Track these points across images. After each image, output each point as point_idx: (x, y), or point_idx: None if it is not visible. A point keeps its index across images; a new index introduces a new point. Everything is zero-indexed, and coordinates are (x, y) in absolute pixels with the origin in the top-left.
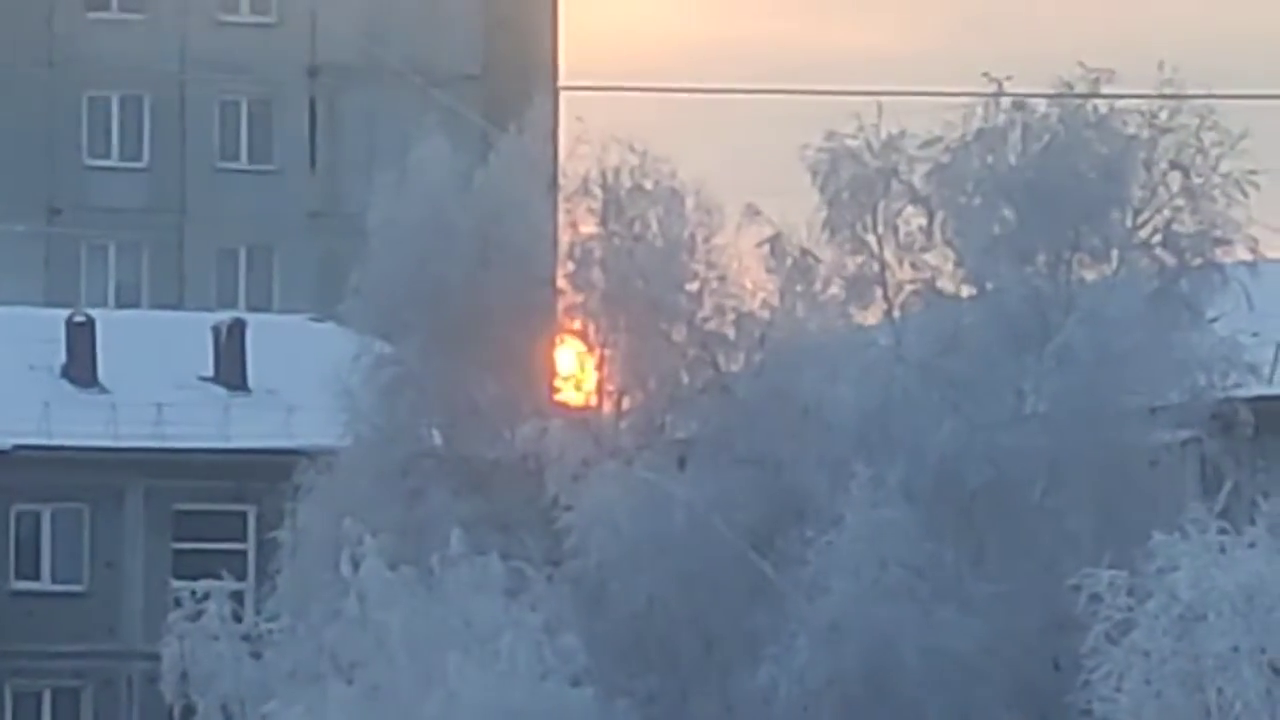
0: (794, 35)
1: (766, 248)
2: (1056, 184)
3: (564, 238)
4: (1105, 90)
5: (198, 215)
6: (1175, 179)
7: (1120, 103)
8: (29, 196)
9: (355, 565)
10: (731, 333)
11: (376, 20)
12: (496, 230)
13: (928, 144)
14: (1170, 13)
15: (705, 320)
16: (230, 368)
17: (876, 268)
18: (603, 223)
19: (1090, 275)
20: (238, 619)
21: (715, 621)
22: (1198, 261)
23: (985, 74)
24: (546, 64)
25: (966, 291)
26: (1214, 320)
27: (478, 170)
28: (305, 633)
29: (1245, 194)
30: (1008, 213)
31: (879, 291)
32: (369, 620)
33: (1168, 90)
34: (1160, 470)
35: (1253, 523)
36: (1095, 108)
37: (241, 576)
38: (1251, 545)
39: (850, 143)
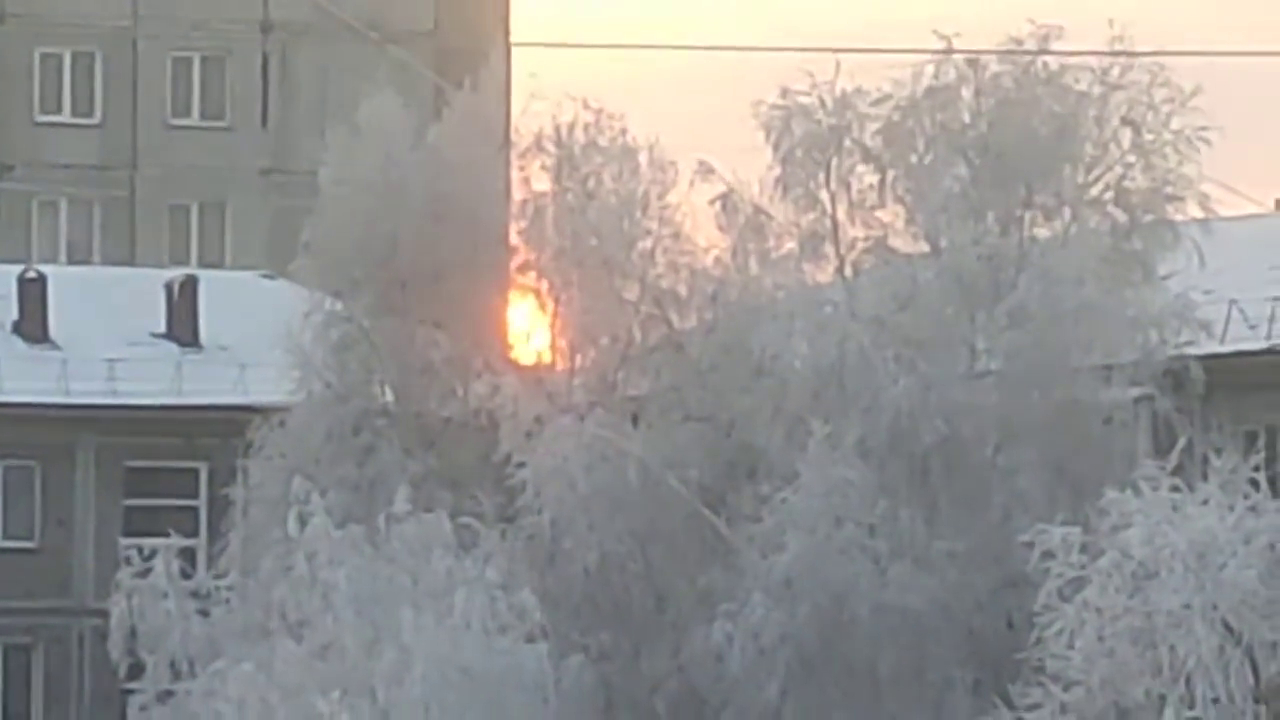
0: None
1: (719, 205)
2: (1008, 141)
3: (517, 194)
4: (1055, 47)
5: (149, 171)
6: (1126, 136)
7: (1071, 60)
8: None
9: (302, 523)
10: (684, 290)
11: None
12: (449, 187)
13: (879, 101)
14: None
15: (658, 277)
16: (182, 324)
17: (829, 225)
18: (556, 180)
19: (1042, 232)
20: (188, 576)
21: (669, 578)
22: (1149, 218)
23: (935, 31)
24: (500, 20)
25: (919, 249)
26: (1166, 278)
27: (430, 127)
28: (255, 590)
29: (1197, 150)
30: (960, 170)
31: (832, 249)
32: (317, 578)
33: (1118, 47)
34: (1113, 428)
35: (1205, 480)
36: (1046, 65)
37: (193, 534)
38: (1204, 502)
39: (803, 100)
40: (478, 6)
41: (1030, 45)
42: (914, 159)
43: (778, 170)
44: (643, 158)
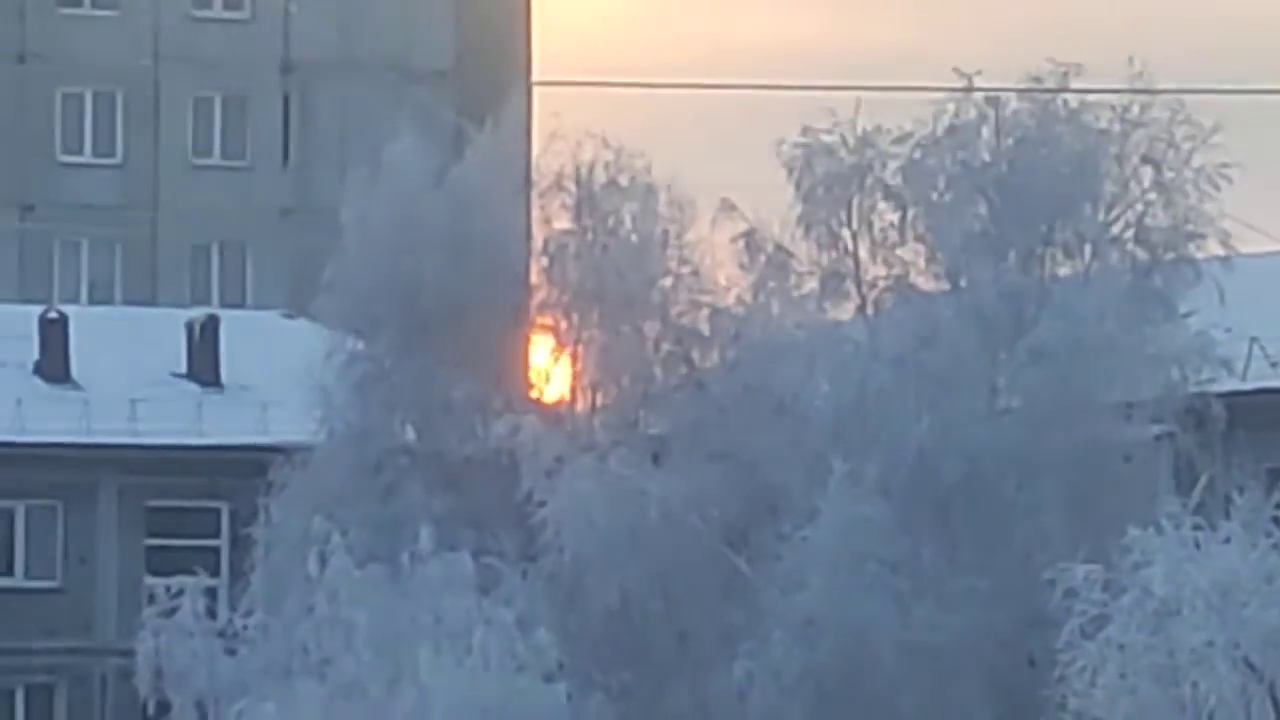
0: (769, 31)
1: (741, 243)
2: (1028, 179)
3: (538, 233)
4: (1075, 85)
5: (171, 211)
6: (1147, 173)
7: (1091, 97)
8: (1, 193)
9: (324, 562)
10: (705, 328)
11: (350, 16)
12: (470, 226)
13: (900, 140)
14: (1140, 6)
15: (679, 315)
16: (203, 364)
17: (850, 263)
18: (576, 218)
19: (1063, 270)
20: (212, 615)
21: (690, 617)
22: (1170, 256)
23: (956, 69)
24: (520, 60)
25: (940, 287)
26: (1187, 315)
27: (451, 167)
28: (279, 629)
29: (1218, 188)
30: (980, 208)
31: (853, 287)
32: (339, 617)
33: (1139, 84)
34: (1134, 465)
35: (1227, 517)
36: (1066, 102)
37: (215, 573)
38: (1226, 540)
39: (825, 138)
40: (499, 46)
41: (1050, 83)
42: (935, 197)
43: (799, 208)
44: (663, 196)
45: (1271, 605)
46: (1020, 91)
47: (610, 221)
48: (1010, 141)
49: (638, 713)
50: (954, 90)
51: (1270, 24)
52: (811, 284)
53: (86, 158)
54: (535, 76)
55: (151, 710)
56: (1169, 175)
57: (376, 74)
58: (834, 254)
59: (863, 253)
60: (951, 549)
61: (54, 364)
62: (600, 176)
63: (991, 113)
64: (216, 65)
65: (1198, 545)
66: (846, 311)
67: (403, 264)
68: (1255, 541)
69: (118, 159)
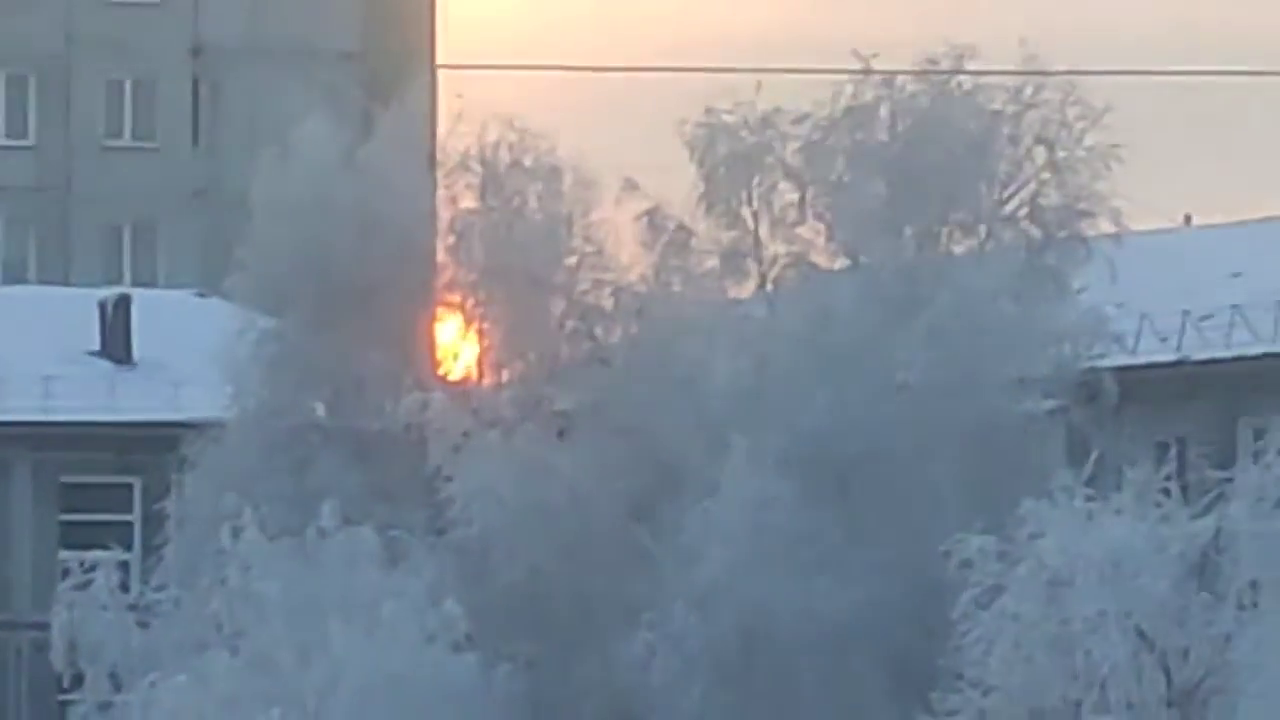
0: (671, 14)
1: (643, 222)
2: (924, 159)
3: (444, 213)
4: (970, 67)
5: (83, 193)
6: (1040, 153)
7: (985, 79)
8: None
9: (235, 537)
10: (609, 305)
11: (258, 0)
12: (377, 206)
13: (799, 120)
14: None
15: (583, 293)
16: (116, 342)
17: (751, 242)
18: (482, 198)
19: (959, 248)
20: (125, 589)
21: (594, 589)
22: (1063, 234)
23: (854, 51)
24: (425, 43)
25: (838, 265)
26: (1079, 292)
27: (359, 148)
28: (191, 603)
29: (1109, 167)
30: (878, 187)
31: (753, 265)
32: (250, 591)
33: (1031, 66)
34: (1028, 439)
35: (1119, 490)
36: (961, 84)
37: (129, 547)
38: (1118, 512)
39: (726, 119)
40: (404, 30)
41: (945, 65)
42: (833, 176)
43: (701, 188)
44: (567, 177)
45: (1162, 575)
46: (916, 74)
47: (515, 201)
48: (907, 122)
49: (544, 682)
50: (852, 72)
51: (1160, 5)
52: (712, 262)
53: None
54: (440, 59)
55: (66, 683)
56: (1061, 155)
57: (284, 57)
58: (735, 232)
59: (763, 231)
60: (850, 522)
61: None
62: (505, 157)
63: (888, 94)
64: (127, 49)
65: (1090, 517)
66: (747, 289)
67: (312, 244)
68: (1146, 513)
69: (30, 141)
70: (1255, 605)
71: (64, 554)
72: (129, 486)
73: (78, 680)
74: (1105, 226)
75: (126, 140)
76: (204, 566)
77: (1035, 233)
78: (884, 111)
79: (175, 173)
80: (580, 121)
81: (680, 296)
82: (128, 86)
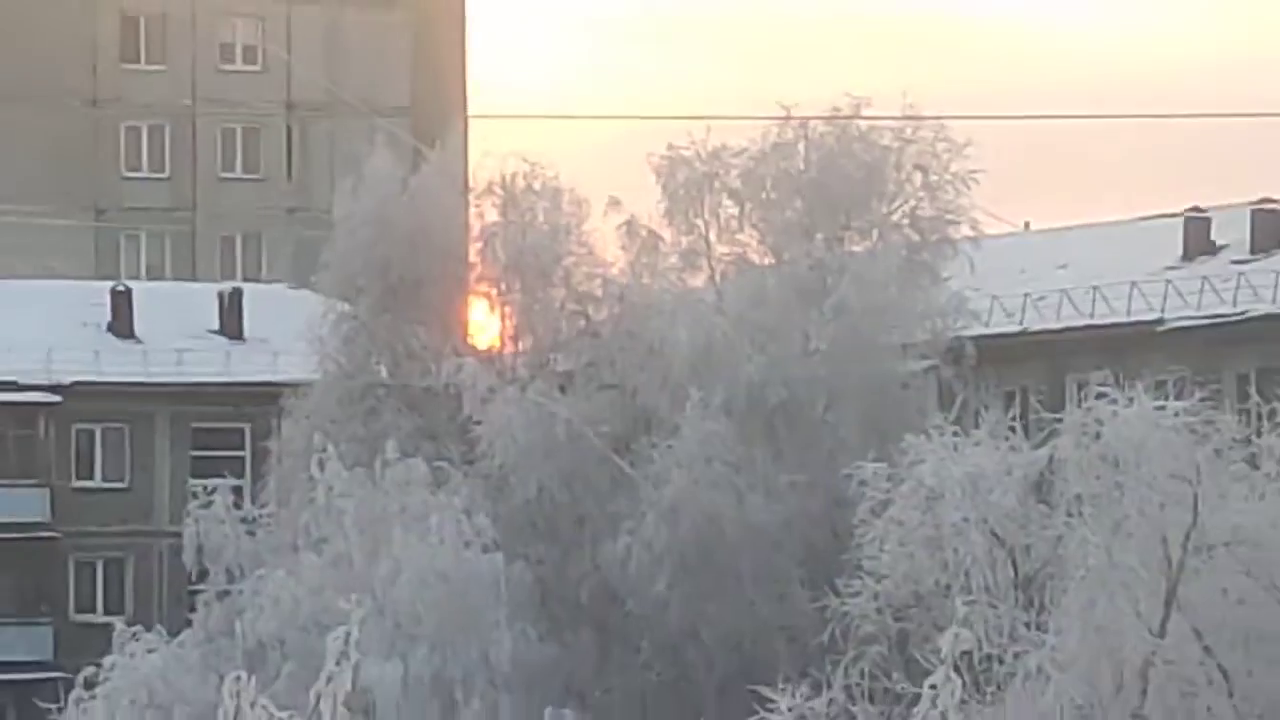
0: (644, 73)
1: (623, 230)
2: (831, 182)
3: (474, 225)
4: (865, 113)
5: (205, 212)
6: (918, 177)
7: (877, 122)
8: (81, 200)
9: (320, 467)
10: (598, 293)
11: (334, 67)
12: (425, 221)
13: (739, 154)
14: (910, 54)
15: (578, 284)
16: (231, 323)
17: (703, 244)
18: (502, 214)
19: (857, 248)
20: (238, 507)
21: (586, 504)
22: (935, 238)
23: (779, 103)
24: (459, 99)
25: (768, 262)
26: (947, 280)
27: (410, 177)
28: (287, 517)
29: (968, 187)
30: (797, 203)
31: (705, 262)
32: (332, 507)
33: (911, 113)
34: (909, 391)
35: (977, 427)
36: (858, 126)
37: (240, 476)
38: (976, 444)
39: (685, 153)
40: (443, 89)
41: (846, 112)
42: (764, 196)
43: (665, 204)
44: (566, 196)
45: (1010, 491)
46: (825, 119)
47: (527, 215)
48: (818, 155)
49: (550, 575)
50: (777, 118)
51: (1007, 66)
52: (674, 260)
53: (143, 173)
54: (470, 110)
55: (194, 577)
56: (933, 178)
57: (354, 109)
58: (691, 237)
59: (712, 237)
60: (776, 454)
61: (122, 324)
62: (520, 183)
63: (804, 134)
64: (238, 104)
65: (956, 448)
66: (700, 280)
67: (376, 249)
68: (997, 444)
69: (166, 174)
70: (1080, 513)
71: (193, 482)
72: (241, 430)
73: (202, 575)
74: (966, 231)
75: (237, 172)
76: (296, 489)
77: (914, 236)
78: (801, 147)
79: (273, 196)
80: (575, 155)
81: (650, 286)
82: (238, 132)
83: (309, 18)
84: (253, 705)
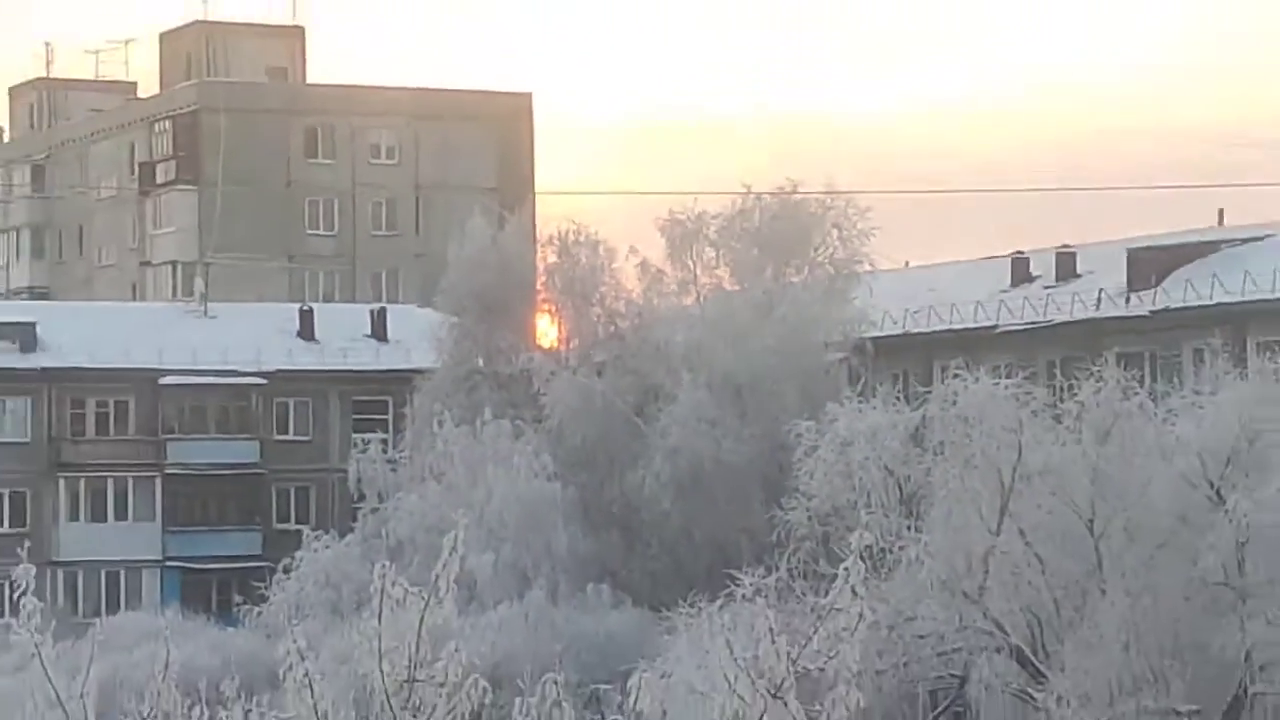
0: (650, 158)
1: (639, 267)
2: (777, 236)
3: (540, 265)
4: (802, 188)
5: (361, 257)
6: (835, 233)
7: (807, 195)
8: (280, 250)
9: (440, 425)
10: (622, 309)
11: (445, 161)
12: (507, 262)
13: (716, 216)
14: (831, 145)
15: (609, 304)
16: (379, 330)
17: (692, 277)
18: (559, 257)
19: (795, 280)
20: (385, 451)
21: (615, 449)
22: (846, 272)
23: (742, 182)
24: (529, 179)
25: (736, 288)
26: (854, 300)
27: (497, 234)
28: (417, 458)
29: (868, 239)
30: (754, 250)
31: (693, 289)
32: (447, 451)
33: (830, 189)
34: (830, 374)
35: (875, 397)
36: (796, 199)
37: (386, 431)
38: (874, 409)
39: (679, 215)
40: (518, 173)
41: (787, 188)
42: (733, 245)
43: (667, 250)
44: (600, 246)
45: (894, 439)
46: (772, 194)
47: (575, 259)
48: (767, 218)
49: (591, 496)
50: (740, 193)
51: (896, 157)
52: (673, 287)
53: (320, 232)
54: (538, 188)
55: (356, 499)
56: (845, 233)
57: (459, 187)
58: (684, 273)
59: (698, 272)
60: (741, 416)
61: (306, 331)
62: (570, 237)
63: (759, 204)
64: (381, 186)
65: (860, 411)
66: (690, 300)
67: (475, 280)
68: (888, 409)
69: (334, 232)
70: (942, 453)
71: (354, 436)
72: (386, 401)
73: (361, 497)
74: (866, 268)
75: (383, 230)
76: (423, 440)
77: (832, 271)
78: (756, 213)
79: (406, 246)
80: (607, 217)
81: (657, 305)
82: (383, 204)
83: (429, 128)
84: (394, 584)
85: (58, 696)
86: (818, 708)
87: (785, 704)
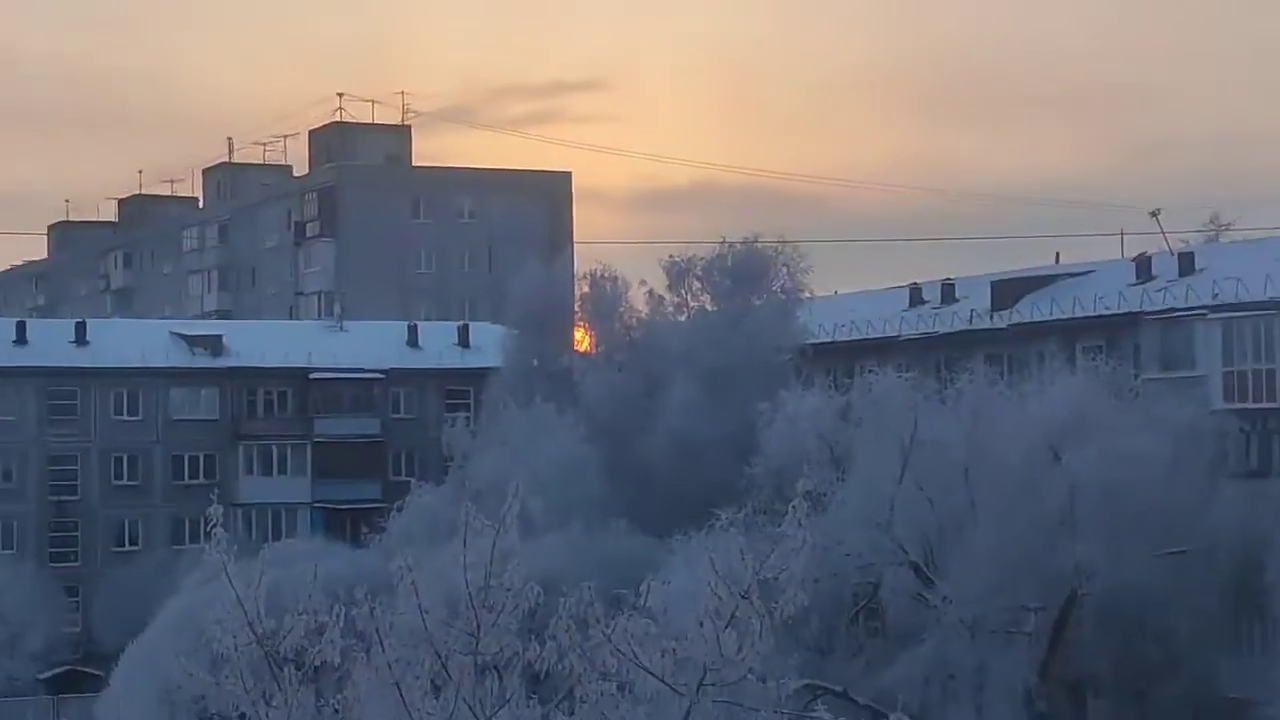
0: (654, 217)
1: (647, 294)
2: (744, 272)
3: (577, 293)
4: (761, 239)
5: (451, 289)
6: (784, 270)
7: (762, 245)
8: (393, 285)
9: (505, 408)
10: (635, 324)
11: (509, 223)
12: (554, 293)
13: (702, 259)
14: (783, 205)
15: (626, 321)
16: (464, 340)
17: (683, 303)
18: (590, 288)
19: (757, 303)
20: (468, 424)
21: (630, 423)
22: (793, 298)
23: (721, 235)
24: (568, 232)
25: (715, 308)
26: (799, 318)
27: (547, 272)
28: (489, 429)
29: (808, 273)
30: (728, 283)
31: (686, 310)
32: (510, 425)
33: (781, 238)
34: (782, 370)
35: (812, 387)
36: (758, 245)
37: (468, 412)
38: (813, 395)
39: (675, 259)
40: (560, 228)
41: (751, 237)
42: (713, 278)
43: (667, 282)
44: (619, 279)
45: (830, 416)
46: (741, 243)
47: (602, 289)
48: (738, 259)
49: (614, 456)
50: (716, 242)
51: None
52: (671, 309)
53: (421, 270)
54: (576, 237)
55: (446, 459)
56: (792, 270)
57: (518, 240)
58: (679, 299)
59: (689, 298)
60: (719, 400)
61: (412, 340)
62: (598, 274)
63: (730, 251)
64: (464, 238)
65: (803, 397)
66: (684, 318)
67: (532, 305)
68: (827, 394)
69: (432, 270)
70: (860, 425)
71: (446, 415)
72: (469, 390)
73: (451, 458)
74: (807, 295)
75: (466, 269)
76: (493, 417)
77: (783, 297)
78: (730, 256)
79: (482, 280)
80: (624, 258)
81: (660, 322)
82: (466, 250)
83: (498, 197)
84: (474, 519)
85: (238, 597)
86: (774, 604)
87: (751, 602)
